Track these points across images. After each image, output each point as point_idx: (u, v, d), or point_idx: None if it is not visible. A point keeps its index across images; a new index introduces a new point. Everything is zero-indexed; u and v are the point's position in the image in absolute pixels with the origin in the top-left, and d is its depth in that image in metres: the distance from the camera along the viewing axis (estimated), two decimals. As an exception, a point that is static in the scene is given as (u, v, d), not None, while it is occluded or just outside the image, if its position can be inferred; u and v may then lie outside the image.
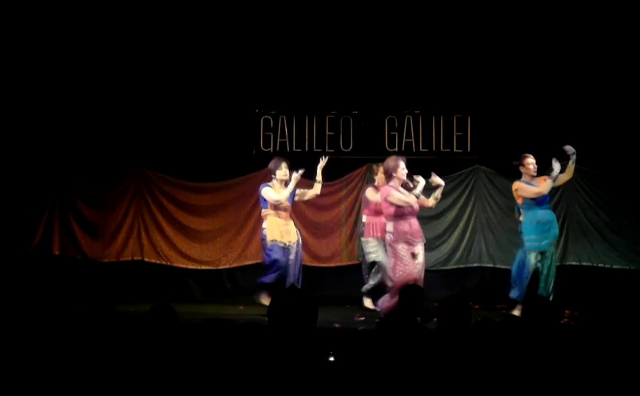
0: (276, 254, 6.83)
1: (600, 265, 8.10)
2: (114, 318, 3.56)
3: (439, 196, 6.73)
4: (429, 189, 6.60)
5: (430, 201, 6.70)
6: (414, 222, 6.48)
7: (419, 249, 6.46)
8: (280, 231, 6.88)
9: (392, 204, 6.38)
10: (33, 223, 8.25)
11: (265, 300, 6.87)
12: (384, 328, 3.06)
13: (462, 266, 8.35)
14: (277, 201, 6.89)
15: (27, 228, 8.23)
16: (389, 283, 6.45)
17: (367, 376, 2.87)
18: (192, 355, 2.93)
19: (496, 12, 8.03)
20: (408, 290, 4.71)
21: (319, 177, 7.12)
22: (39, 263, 8.17)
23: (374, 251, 7.30)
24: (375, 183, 7.46)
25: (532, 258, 6.82)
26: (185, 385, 2.86)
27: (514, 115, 8.24)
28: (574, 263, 8.14)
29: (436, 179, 6.59)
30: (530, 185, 6.87)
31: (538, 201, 6.86)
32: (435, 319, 4.89)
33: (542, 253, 6.86)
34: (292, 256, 6.89)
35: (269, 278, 6.88)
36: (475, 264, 8.34)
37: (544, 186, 6.81)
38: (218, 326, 2.94)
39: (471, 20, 8.10)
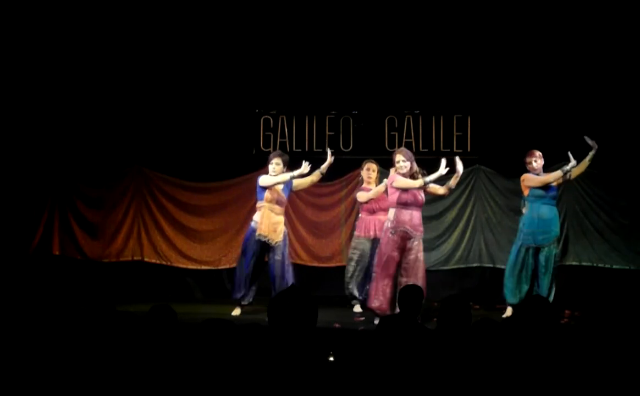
0: (250, 250, 6.84)
1: (600, 265, 8.09)
2: (114, 318, 3.56)
3: (453, 186, 6.67)
4: (442, 180, 6.58)
5: (442, 189, 6.62)
6: (416, 215, 6.48)
7: (415, 244, 6.44)
8: (269, 227, 6.82)
9: (396, 189, 6.40)
10: (33, 223, 8.25)
11: (236, 311, 6.96)
12: (384, 328, 3.06)
13: (462, 266, 8.35)
14: (273, 183, 6.80)
15: (27, 228, 8.23)
16: (373, 273, 6.46)
17: (367, 376, 2.87)
18: (192, 355, 2.93)
19: (496, 12, 8.03)
20: (408, 290, 4.72)
21: (323, 169, 7.08)
22: (39, 263, 8.17)
23: (357, 249, 7.25)
24: (364, 183, 7.48)
25: (522, 252, 6.85)
26: (185, 385, 2.85)
27: (514, 115, 8.24)
28: (574, 263, 8.13)
29: (458, 167, 6.54)
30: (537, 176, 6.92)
31: (543, 195, 6.88)
32: (435, 319, 4.89)
33: (537, 249, 6.87)
34: (277, 257, 6.87)
35: (236, 294, 6.97)
36: (475, 264, 8.34)
37: (550, 176, 6.85)
38: (218, 326, 2.94)
39: (471, 20, 8.10)
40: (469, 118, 8.41)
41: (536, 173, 6.93)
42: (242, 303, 6.95)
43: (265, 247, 6.88)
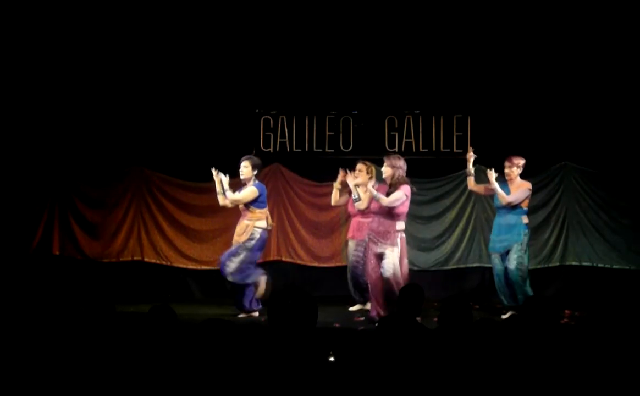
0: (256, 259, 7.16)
1: (600, 265, 8.09)
2: (114, 318, 3.56)
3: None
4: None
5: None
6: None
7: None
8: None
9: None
10: (33, 223, 8.25)
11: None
12: (384, 328, 3.06)
13: (462, 266, 8.34)
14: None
15: (27, 228, 8.23)
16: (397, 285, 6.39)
17: (367, 376, 2.87)
18: (192, 355, 2.93)
19: (495, 12, 8.03)
20: (408, 290, 4.71)
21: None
22: (39, 263, 8.17)
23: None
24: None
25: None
26: (185, 385, 2.85)
27: (514, 115, 8.24)
28: (574, 263, 8.14)
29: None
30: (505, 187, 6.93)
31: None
32: (435, 319, 4.89)
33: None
34: None
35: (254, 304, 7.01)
36: (475, 264, 8.33)
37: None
38: (218, 326, 2.94)
39: (470, 20, 8.10)
40: (469, 118, 8.40)
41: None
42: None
43: None
